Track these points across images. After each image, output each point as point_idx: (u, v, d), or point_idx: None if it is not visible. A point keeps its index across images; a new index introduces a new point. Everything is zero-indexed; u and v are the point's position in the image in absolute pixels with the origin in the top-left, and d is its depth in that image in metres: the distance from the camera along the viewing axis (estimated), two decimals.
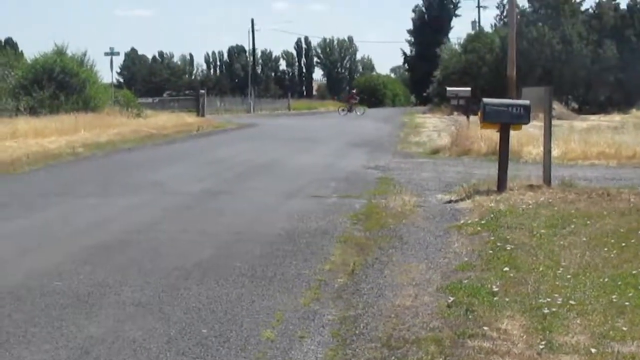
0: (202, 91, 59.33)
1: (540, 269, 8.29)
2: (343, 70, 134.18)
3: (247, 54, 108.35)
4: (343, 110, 64.91)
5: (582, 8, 67.95)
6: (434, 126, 37.82)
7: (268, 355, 5.89)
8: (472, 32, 75.09)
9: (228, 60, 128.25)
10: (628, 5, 69.60)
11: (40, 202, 13.77)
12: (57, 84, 41.66)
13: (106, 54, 49.00)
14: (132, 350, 5.93)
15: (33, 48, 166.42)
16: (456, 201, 13.53)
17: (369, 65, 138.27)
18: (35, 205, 13.42)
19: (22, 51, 64.26)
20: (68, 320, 6.63)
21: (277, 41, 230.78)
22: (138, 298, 7.36)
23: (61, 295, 7.40)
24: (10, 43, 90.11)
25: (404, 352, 5.88)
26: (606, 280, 7.79)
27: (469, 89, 36.56)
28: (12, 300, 7.19)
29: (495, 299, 7.17)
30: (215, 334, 6.34)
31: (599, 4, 68.37)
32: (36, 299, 7.25)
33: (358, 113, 61.21)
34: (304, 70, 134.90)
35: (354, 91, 78.17)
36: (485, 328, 6.34)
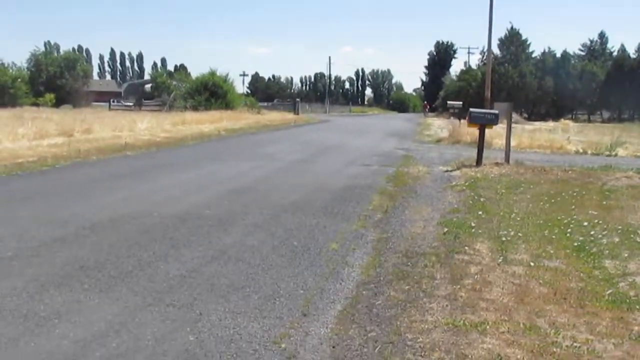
0: (298, 99, 59.56)
1: (501, 213, 8.13)
2: (383, 89, 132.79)
3: (326, 77, 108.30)
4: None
5: (533, 55, 67.79)
6: (438, 125, 37.17)
7: (333, 259, 5.87)
8: (464, 68, 73.61)
9: (314, 81, 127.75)
10: (562, 54, 69.92)
11: (196, 164, 13.87)
12: (209, 92, 42.93)
13: (240, 75, 50.03)
14: (251, 252, 5.96)
15: (196, 69, 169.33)
16: (451, 171, 13.31)
17: (399, 87, 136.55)
18: (193, 165, 13.51)
19: (189, 72, 65.13)
20: (213, 234, 6.68)
21: (345, 70, 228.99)
22: (255, 222, 7.38)
23: (209, 219, 7.46)
24: (183, 67, 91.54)
25: (415, 260, 5.81)
26: (541, 222, 7.63)
27: (460, 102, 36.48)
28: (179, 221, 7.28)
29: (472, 230, 7.05)
30: (301, 245, 6.34)
31: (544, 53, 68.55)
32: (195, 220, 7.32)
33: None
34: (360, 88, 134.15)
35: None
36: (466, 247, 6.24)
